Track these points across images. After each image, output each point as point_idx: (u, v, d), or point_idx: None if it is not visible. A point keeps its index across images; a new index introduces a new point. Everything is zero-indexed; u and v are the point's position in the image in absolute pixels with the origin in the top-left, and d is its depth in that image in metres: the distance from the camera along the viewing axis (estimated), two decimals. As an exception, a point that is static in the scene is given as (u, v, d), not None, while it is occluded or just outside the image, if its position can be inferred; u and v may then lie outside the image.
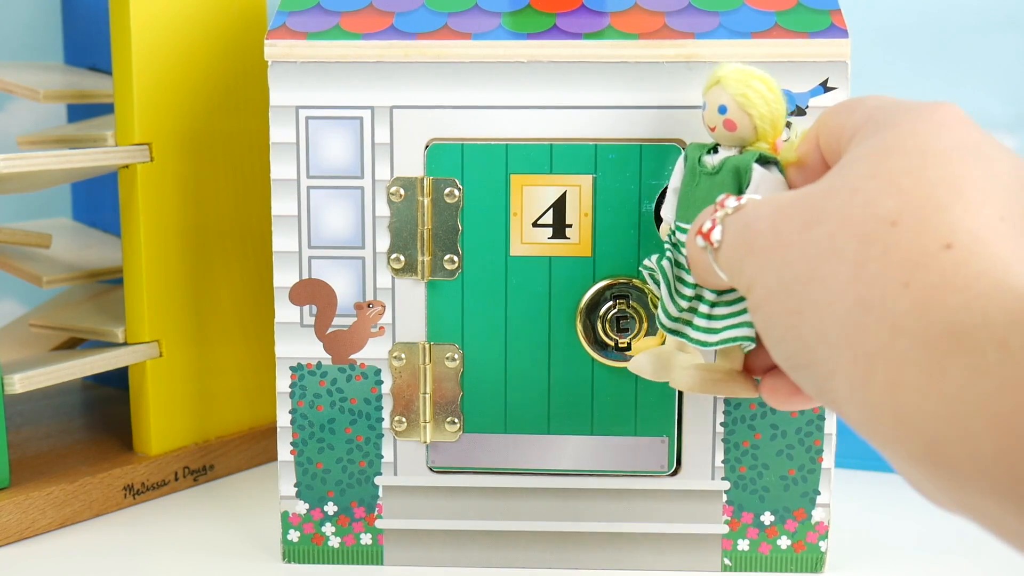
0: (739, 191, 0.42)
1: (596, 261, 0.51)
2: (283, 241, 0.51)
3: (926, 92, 0.64)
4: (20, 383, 0.56)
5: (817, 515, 0.52)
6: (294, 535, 0.54)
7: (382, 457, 0.53)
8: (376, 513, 0.53)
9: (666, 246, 0.45)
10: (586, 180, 0.50)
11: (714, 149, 0.44)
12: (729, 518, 0.53)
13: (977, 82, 0.64)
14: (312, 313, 0.52)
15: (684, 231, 0.44)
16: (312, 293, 0.52)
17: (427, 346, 0.52)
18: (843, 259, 0.32)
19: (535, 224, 0.51)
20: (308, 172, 0.51)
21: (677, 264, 0.44)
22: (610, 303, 0.51)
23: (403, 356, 0.52)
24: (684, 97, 0.49)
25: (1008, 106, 0.64)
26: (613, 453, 0.52)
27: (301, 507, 0.53)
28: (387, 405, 0.52)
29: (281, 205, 0.51)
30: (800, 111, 0.49)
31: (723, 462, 0.52)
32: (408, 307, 0.52)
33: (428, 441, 0.53)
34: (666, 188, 0.50)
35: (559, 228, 0.51)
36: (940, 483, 0.30)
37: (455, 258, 0.51)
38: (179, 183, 0.62)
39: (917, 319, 0.30)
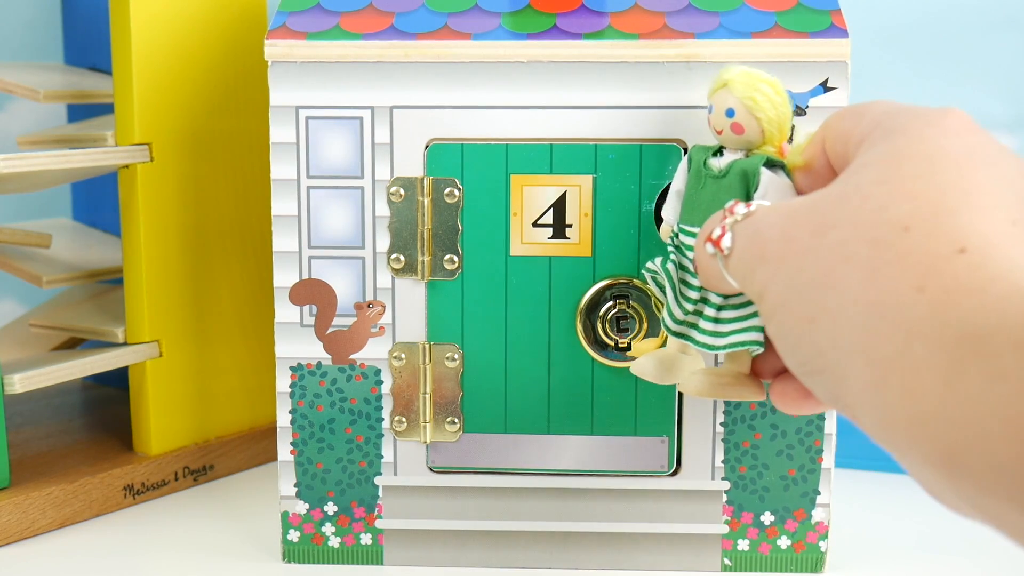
0: (747, 195, 0.42)
1: (596, 261, 0.51)
2: (283, 241, 0.51)
3: (926, 92, 0.64)
4: (20, 383, 0.56)
5: (817, 515, 0.52)
6: (294, 535, 0.54)
7: (382, 457, 0.53)
8: (376, 513, 0.53)
9: (669, 249, 0.45)
10: (586, 180, 0.50)
11: (719, 152, 0.44)
12: (729, 518, 0.53)
13: (977, 82, 0.64)
14: (312, 313, 0.52)
15: (688, 233, 0.44)
16: (312, 293, 0.52)
17: (427, 346, 0.52)
18: (856, 264, 0.32)
19: (535, 224, 0.51)
20: (308, 172, 0.51)
21: (681, 267, 0.44)
22: (610, 303, 0.51)
23: (403, 356, 0.52)
24: (684, 97, 0.49)
25: (1008, 106, 0.64)
26: (613, 453, 0.52)
27: (301, 507, 0.53)
28: (387, 405, 0.52)
29: (281, 205, 0.51)
30: (800, 111, 0.49)
31: (723, 462, 0.52)
32: (408, 307, 0.52)
33: (428, 441, 0.53)
34: (666, 188, 0.50)
35: (559, 228, 0.51)
36: (957, 488, 0.30)
37: (455, 258, 0.51)
38: (179, 183, 0.62)
39: (932, 323, 0.30)
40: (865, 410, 0.32)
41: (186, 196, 0.62)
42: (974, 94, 0.64)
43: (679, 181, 0.46)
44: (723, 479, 0.52)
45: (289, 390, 0.52)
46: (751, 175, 0.42)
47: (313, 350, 0.52)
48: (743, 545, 0.53)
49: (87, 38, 0.74)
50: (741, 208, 0.38)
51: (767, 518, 0.52)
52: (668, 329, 0.44)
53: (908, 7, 0.64)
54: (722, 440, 0.52)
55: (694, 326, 0.44)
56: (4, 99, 0.82)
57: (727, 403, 0.52)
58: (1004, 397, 0.28)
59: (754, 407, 0.52)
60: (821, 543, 0.53)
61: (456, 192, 0.50)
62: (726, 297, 0.43)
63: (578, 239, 0.51)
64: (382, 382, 0.52)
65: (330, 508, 0.53)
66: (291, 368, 0.52)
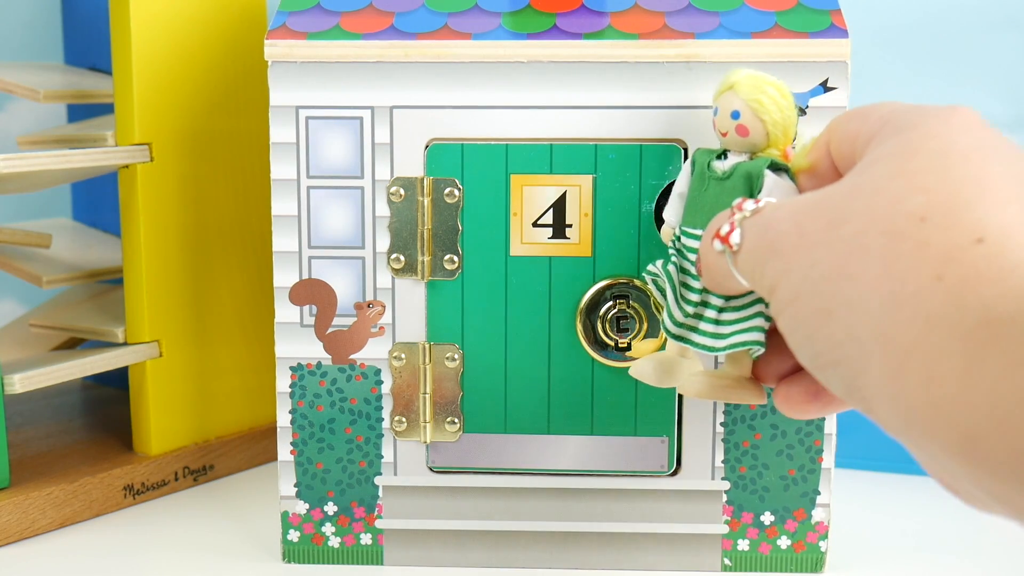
0: (750, 197, 0.42)
1: (596, 261, 0.51)
2: (283, 241, 0.51)
3: (926, 92, 0.64)
4: (20, 383, 0.56)
5: (817, 515, 0.52)
6: (294, 535, 0.54)
7: (382, 457, 0.53)
8: (376, 513, 0.53)
9: (670, 251, 0.45)
10: (586, 180, 0.50)
11: (723, 155, 0.44)
12: (729, 518, 0.53)
13: (977, 82, 0.64)
14: (312, 313, 0.52)
15: (690, 235, 0.44)
16: (312, 293, 0.52)
17: (427, 346, 0.52)
18: (872, 256, 0.33)
19: (535, 224, 0.51)
20: (308, 172, 0.51)
21: (682, 269, 0.44)
22: (610, 303, 0.51)
23: (403, 356, 0.52)
24: (684, 97, 0.49)
25: (1008, 106, 0.64)
26: (613, 453, 0.52)
27: (301, 507, 0.53)
28: (387, 405, 0.52)
29: (281, 205, 0.51)
30: (800, 111, 0.49)
31: (723, 462, 0.52)
32: (408, 307, 0.52)
33: (428, 441, 0.53)
34: (666, 188, 0.50)
35: (559, 228, 0.51)
36: (976, 476, 0.30)
37: (455, 258, 0.51)
38: (179, 183, 0.62)
39: (951, 311, 0.30)
40: (883, 401, 0.32)
41: (186, 196, 0.62)
42: (974, 94, 0.64)
43: (681, 183, 0.46)
44: (723, 479, 0.52)
45: (289, 390, 0.52)
46: (755, 177, 0.42)
47: (313, 350, 0.52)
48: (743, 545, 0.53)
49: (87, 38, 0.74)
50: (750, 204, 0.38)
51: (767, 518, 0.52)
52: (668, 332, 0.44)
53: (908, 7, 0.64)
54: (722, 440, 0.52)
55: (694, 328, 0.44)
56: (4, 99, 0.82)
57: (727, 403, 0.52)
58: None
59: (754, 407, 0.52)
60: (821, 543, 0.53)
61: (456, 192, 0.50)
62: (727, 299, 0.43)
63: (578, 239, 0.51)
64: (382, 382, 0.52)
65: (330, 508, 0.53)
66: (291, 368, 0.52)
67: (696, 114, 0.49)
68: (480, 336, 0.52)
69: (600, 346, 0.51)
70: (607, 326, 0.51)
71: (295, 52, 0.50)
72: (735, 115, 0.43)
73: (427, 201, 0.51)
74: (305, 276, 0.52)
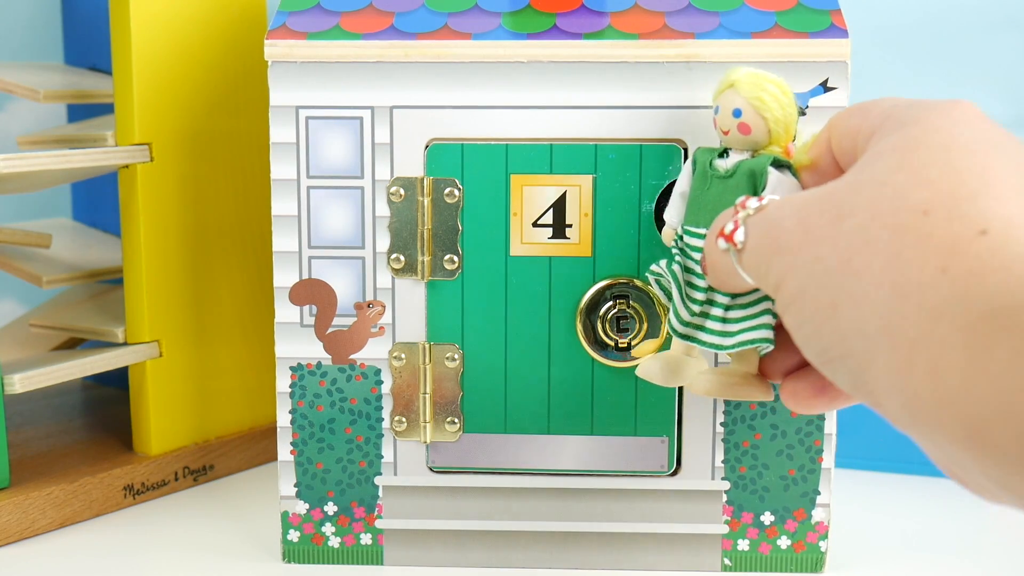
0: (754, 194, 0.42)
1: (596, 261, 0.51)
2: (283, 241, 0.51)
3: (926, 92, 0.64)
4: (20, 383, 0.56)
5: (817, 515, 0.52)
6: (294, 535, 0.54)
7: (382, 457, 0.53)
8: (376, 513, 0.53)
9: (674, 251, 0.45)
10: (586, 180, 0.50)
11: (724, 153, 0.44)
12: (729, 518, 0.53)
13: (977, 82, 0.64)
14: (312, 313, 0.52)
15: (693, 235, 0.44)
16: (312, 293, 0.52)
17: (427, 346, 0.52)
18: (877, 250, 0.33)
19: (535, 224, 0.51)
20: (308, 172, 0.51)
21: (686, 269, 0.44)
22: (610, 303, 0.51)
23: (403, 356, 0.52)
24: (684, 97, 0.49)
25: (1008, 106, 0.64)
26: (613, 453, 0.52)
27: (301, 507, 0.53)
28: (387, 405, 0.52)
29: (281, 205, 0.51)
30: (800, 112, 0.49)
31: (723, 462, 0.52)
32: (408, 307, 0.52)
33: (428, 441, 0.53)
34: (666, 189, 0.50)
35: (559, 228, 0.51)
36: (983, 466, 0.30)
37: (455, 258, 0.51)
38: (179, 183, 0.62)
39: (956, 302, 0.30)
40: (890, 393, 0.32)
41: (186, 196, 0.62)
42: (974, 94, 0.64)
43: (683, 183, 0.46)
44: (723, 479, 0.52)
45: (289, 390, 0.52)
46: (759, 175, 0.42)
47: (313, 350, 0.52)
48: (743, 545, 0.53)
49: (87, 38, 0.74)
50: (753, 202, 0.38)
51: (767, 518, 0.52)
52: (674, 331, 0.44)
53: (908, 7, 0.64)
54: (722, 440, 0.52)
55: (700, 327, 0.44)
56: (4, 99, 0.82)
57: (727, 403, 0.52)
58: None
59: (754, 407, 0.52)
60: (821, 543, 0.53)
61: (456, 192, 0.50)
62: (733, 297, 0.43)
63: (578, 239, 0.51)
64: (382, 382, 0.52)
65: (330, 508, 0.53)
66: (291, 368, 0.52)
67: (696, 114, 0.49)
68: (480, 336, 0.52)
69: (600, 346, 0.51)
70: (607, 326, 0.51)
71: (295, 52, 0.50)
72: (737, 113, 0.43)
73: (427, 201, 0.51)
74: (305, 276, 0.52)
